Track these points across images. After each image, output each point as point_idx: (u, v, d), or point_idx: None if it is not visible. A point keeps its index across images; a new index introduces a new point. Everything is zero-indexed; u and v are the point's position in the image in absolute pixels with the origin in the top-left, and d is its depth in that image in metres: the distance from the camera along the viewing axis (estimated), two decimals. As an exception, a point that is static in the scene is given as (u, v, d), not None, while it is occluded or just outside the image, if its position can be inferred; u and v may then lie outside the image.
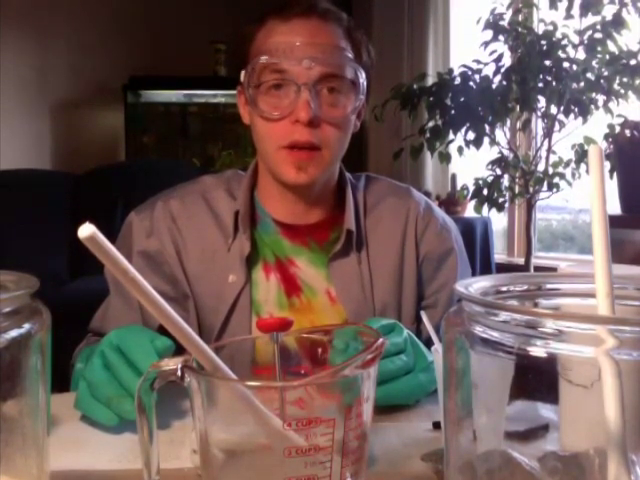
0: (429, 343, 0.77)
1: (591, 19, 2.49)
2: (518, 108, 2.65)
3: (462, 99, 2.67)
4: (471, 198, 2.82)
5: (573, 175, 2.69)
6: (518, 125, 2.88)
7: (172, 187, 1.10)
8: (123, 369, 0.75)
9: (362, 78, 0.98)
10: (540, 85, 2.55)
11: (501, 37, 2.62)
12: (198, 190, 1.07)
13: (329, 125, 0.96)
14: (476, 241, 3.11)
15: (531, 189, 2.72)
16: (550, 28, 2.55)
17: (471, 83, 2.67)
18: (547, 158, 2.72)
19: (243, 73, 0.97)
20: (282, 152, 0.96)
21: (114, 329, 0.82)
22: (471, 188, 2.82)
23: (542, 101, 2.61)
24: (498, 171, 2.77)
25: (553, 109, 2.60)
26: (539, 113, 2.69)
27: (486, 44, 2.65)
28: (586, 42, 2.48)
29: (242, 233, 1.02)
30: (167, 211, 1.04)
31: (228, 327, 1.01)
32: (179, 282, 1.03)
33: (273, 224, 1.05)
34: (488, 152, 2.79)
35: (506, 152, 2.78)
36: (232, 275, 1.01)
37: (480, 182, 2.78)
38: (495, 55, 2.65)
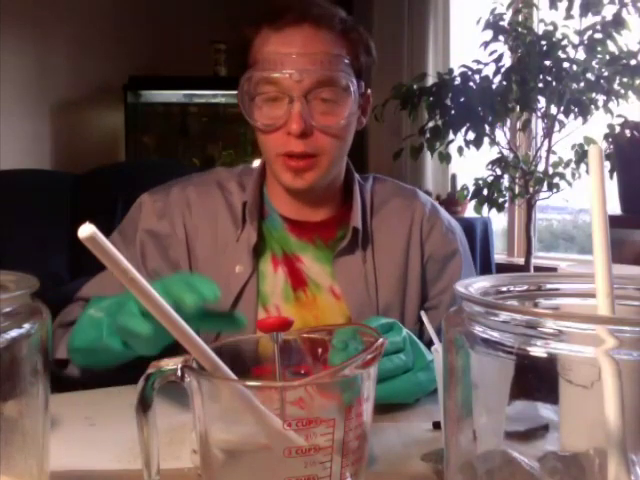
0: (431, 344, 0.77)
1: (591, 19, 2.48)
2: (518, 108, 2.64)
3: (462, 99, 2.67)
4: (471, 198, 2.82)
5: (573, 175, 2.68)
6: (518, 125, 2.88)
7: (188, 175, 1.11)
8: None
9: (354, 86, 0.98)
10: (540, 85, 2.55)
11: (501, 37, 2.61)
12: (215, 180, 1.09)
13: (323, 134, 0.97)
14: (476, 241, 3.11)
15: (531, 189, 2.72)
16: (550, 28, 2.55)
17: (471, 83, 2.66)
18: (547, 158, 2.71)
19: (241, 81, 0.98)
20: (279, 159, 0.98)
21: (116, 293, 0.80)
22: (471, 188, 2.81)
23: (542, 101, 2.61)
24: (498, 171, 2.76)
25: (553, 109, 2.60)
26: (539, 113, 2.68)
27: (486, 44, 2.64)
28: (586, 42, 2.48)
29: (249, 224, 1.03)
30: (184, 197, 1.06)
31: None
32: (181, 269, 1.03)
33: (280, 220, 1.06)
34: (488, 152, 2.79)
35: (506, 152, 2.77)
36: (239, 266, 1.02)
37: (480, 182, 2.78)
38: (495, 55, 2.64)
